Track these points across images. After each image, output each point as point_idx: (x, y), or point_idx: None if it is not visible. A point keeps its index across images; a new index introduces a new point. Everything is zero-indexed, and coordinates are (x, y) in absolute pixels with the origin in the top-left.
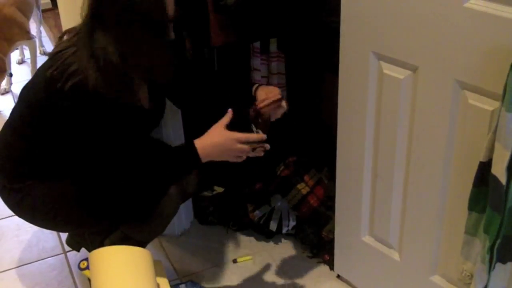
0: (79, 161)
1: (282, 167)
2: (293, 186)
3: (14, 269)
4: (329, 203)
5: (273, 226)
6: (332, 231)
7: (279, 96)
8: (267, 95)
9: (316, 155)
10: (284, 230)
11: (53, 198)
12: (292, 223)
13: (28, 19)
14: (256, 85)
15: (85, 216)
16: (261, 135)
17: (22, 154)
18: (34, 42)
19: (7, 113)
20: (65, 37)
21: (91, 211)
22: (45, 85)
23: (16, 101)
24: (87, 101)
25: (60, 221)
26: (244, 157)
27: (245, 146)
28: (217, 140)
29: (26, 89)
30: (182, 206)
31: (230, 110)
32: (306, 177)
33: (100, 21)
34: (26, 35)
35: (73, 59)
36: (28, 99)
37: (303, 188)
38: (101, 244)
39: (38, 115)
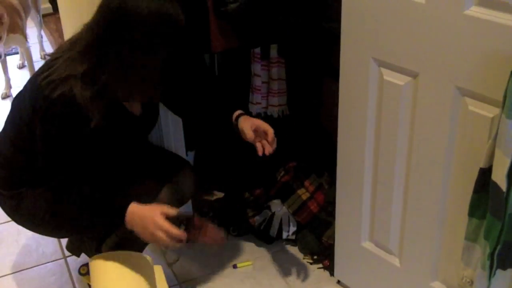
0: (57, 170)
1: (282, 173)
2: (294, 192)
3: (13, 274)
4: (329, 208)
5: (273, 231)
6: (332, 237)
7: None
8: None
9: (316, 161)
10: (285, 236)
11: (46, 204)
12: (293, 229)
13: (26, 18)
14: (238, 113)
15: (75, 222)
16: (181, 234)
17: (16, 164)
18: (29, 46)
19: None
20: (60, 46)
21: (78, 217)
22: (33, 92)
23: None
24: (73, 110)
25: (54, 226)
26: (161, 245)
27: (161, 234)
28: (147, 214)
29: (18, 95)
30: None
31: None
32: (306, 183)
33: (100, 48)
34: (23, 32)
35: (62, 70)
36: (19, 106)
37: (303, 193)
38: (99, 249)
39: (28, 122)
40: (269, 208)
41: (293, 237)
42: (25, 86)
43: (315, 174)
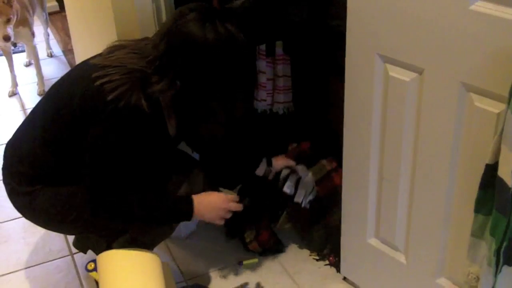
0: (95, 171)
1: (295, 145)
2: (317, 161)
3: (20, 271)
4: None
5: (291, 190)
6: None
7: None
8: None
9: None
10: (299, 200)
11: (62, 201)
12: (310, 198)
13: (32, 15)
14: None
15: (93, 220)
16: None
17: (37, 160)
18: (35, 44)
19: (14, 115)
20: (116, 53)
21: (100, 216)
22: (92, 95)
23: (42, 100)
24: (137, 120)
25: (67, 223)
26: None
27: (228, 214)
28: (213, 200)
29: (61, 91)
30: None
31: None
32: (324, 160)
33: (166, 68)
34: (31, 28)
35: (125, 81)
36: (67, 104)
37: (327, 164)
38: (109, 247)
39: (73, 121)
40: (295, 172)
41: (308, 206)
42: (72, 87)
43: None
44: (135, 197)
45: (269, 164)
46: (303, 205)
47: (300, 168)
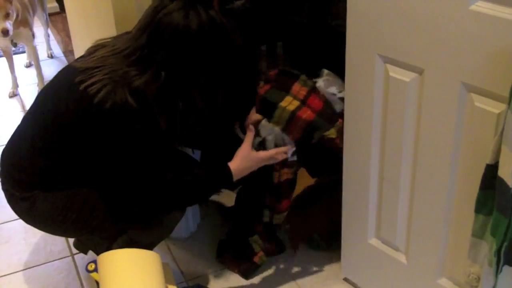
0: (99, 174)
1: (261, 84)
2: (275, 106)
3: (21, 272)
4: (328, 111)
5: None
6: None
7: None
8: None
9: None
10: (289, 157)
11: (61, 205)
12: (291, 149)
13: (33, 15)
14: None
15: (94, 223)
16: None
17: (34, 167)
18: (35, 45)
19: (15, 116)
20: (97, 53)
21: (102, 218)
22: (78, 100)
23: (32, 108)
24: (124, 119)
25: (67, 226)
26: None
27: (272, 160)
28: (249, 164)
29: (47, 98)
30: (188, 209)
31: (251, 127)
32: (295, 87)
33: (149, 59)
34: (31, 28)
35: (107, 81)
36: (53, 110)
37: (290, 103)
38: (109, 248)
39: (62, 128)
40: (258, 133)
41: (294, 158)
42: (57, 93)
43: (305, 76)
44: (172, 183)
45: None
46: (289, 159)
47: (262, 127)
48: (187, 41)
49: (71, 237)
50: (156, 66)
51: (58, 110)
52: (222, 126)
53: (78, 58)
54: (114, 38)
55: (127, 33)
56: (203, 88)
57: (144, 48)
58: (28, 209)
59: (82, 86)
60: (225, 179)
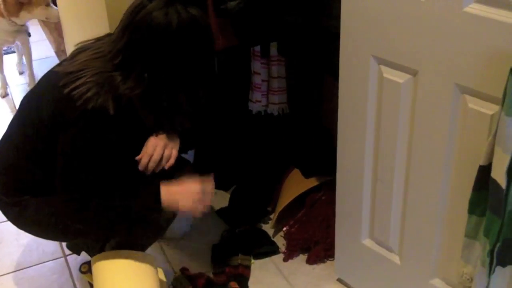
0: (65, 176)
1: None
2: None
3: (14, 273)
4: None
5: None
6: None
7: None
8: None
9: (316, 159)
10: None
11: (51, 211)
12: None
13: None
14: None
15: (82, 227)
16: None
17: (22, 172)
18: (29, 42)
19: (5, 116)
20: (80, 56)
21: (87, 223)
22: (62, 103)
23: (17, 112)
24: (106, 121)
25: (57, 231)
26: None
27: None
28: (184, 184)
29: (31, 103)
30: None
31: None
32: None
33: (131, 62)
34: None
35: (91, 85)
36: (37, 114)
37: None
38: (102, 249)
39: (45, 132)
40: None
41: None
42: (41, 97)
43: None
44: (98, 201)
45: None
46: None
47: None
48: (168, 39)
49: (64, 241)
50: (139, 68)
51: (41, 114)
52: (207, 124)
53: (61, 62)
54: (97, 39)
55: (109, 34)
56: (186, 87)
57: (126, 50)
58: (18, 215)
59: (66, 90)
60: (151, 194)
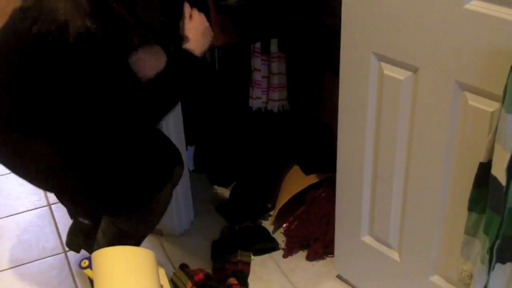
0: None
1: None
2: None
3: (14, 268)
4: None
5: None
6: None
7: None
8: None
9: (316, 156)
10: None
11: (36, 155)
12: None
13: None
14: None
15: (67, 177)
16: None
17: (4, 106)
18: None
19: None
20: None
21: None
22: (36, 43)
23: None
24: (92, 47)
25: (40, 172)
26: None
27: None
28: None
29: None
30: (182, 206)
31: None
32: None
33: None
34: None
35: (53, 9)
36: (14, 61)
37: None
38: (99, 243)
39: (28, 75)
40: None
41: None
42: (9, 41)
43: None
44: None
45: None
46: None
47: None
48: None
49: (42, 188)
50: None
51: (14, 60)
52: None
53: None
54: None
55: None
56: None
57: None
58: (11, 154)
59: (34, 28)
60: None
